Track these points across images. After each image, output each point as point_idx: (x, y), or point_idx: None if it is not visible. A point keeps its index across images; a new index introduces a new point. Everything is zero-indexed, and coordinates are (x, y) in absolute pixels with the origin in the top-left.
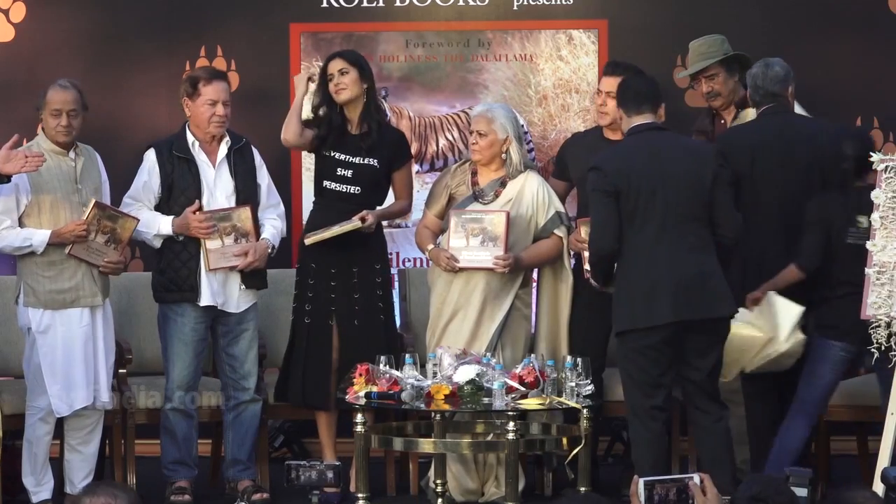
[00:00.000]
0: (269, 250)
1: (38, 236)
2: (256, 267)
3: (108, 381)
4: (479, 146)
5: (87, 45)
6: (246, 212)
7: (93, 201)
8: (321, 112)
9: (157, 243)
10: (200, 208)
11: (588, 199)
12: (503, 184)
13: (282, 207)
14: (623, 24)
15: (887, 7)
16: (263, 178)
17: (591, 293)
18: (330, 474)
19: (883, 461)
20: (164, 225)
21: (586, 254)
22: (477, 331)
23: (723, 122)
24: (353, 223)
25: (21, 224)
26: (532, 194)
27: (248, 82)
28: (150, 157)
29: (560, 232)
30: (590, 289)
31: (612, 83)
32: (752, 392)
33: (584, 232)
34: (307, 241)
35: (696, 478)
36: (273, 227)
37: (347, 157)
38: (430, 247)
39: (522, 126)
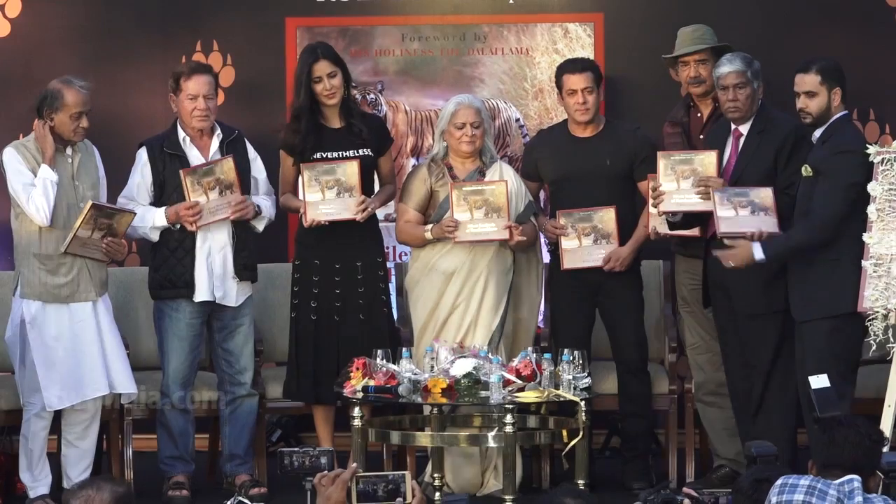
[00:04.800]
0: (256, 208)
1: (42, 172)
2: (244, 217)
3: (128, 371)
4: (476, 136)
5: (82, 40)
6: (229, 163)
7: (89, 203)
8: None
9: (155, 236)
10: (196, 205)
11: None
12: (482, 173)
13: (274, 197)
14: (619, 17)
15: None
16: (259, 171)
17: (569, 287)
18: (323, 460)
19: None
20: (158, 217)
21: (566, 243)
22: (478, 323)
23: (699, 115)
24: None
25: (19, 219)
26: (511, 181)
27: (244, 77)
28: (142, 155)
29: (534, 220)
30: (568, 283)
31: (584, 80)
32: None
33: (562, 220)
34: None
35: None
36: (264, 199)
37: (342, 153)
38: (430, 226)
39: (518, 120)
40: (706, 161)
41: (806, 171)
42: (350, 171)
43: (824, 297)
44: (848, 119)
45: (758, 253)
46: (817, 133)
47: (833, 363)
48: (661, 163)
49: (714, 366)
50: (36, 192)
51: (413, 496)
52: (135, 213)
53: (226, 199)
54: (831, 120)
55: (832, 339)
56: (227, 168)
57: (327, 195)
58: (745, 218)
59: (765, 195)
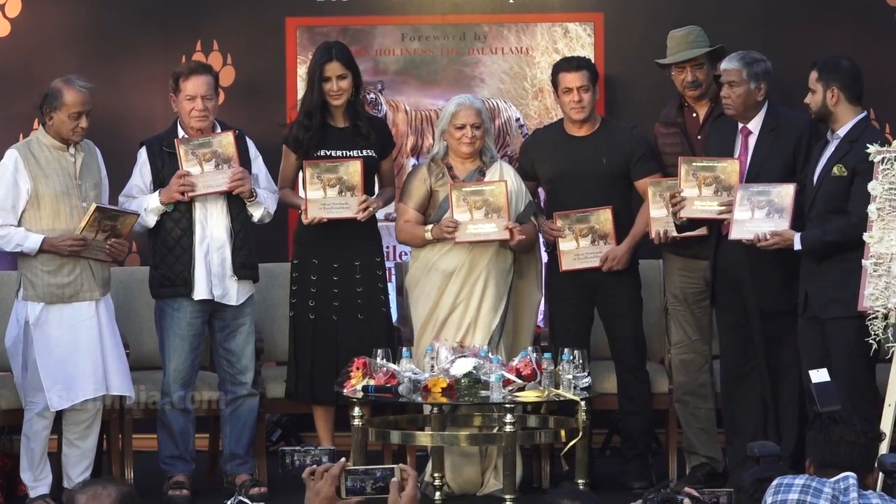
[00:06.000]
0: (254, 191)
1: (30, 242)
2: (241, 191)
3: (125, 373)
4: (476, 137)
5: (82, 40)
6: (228, 137)
7: (93, 206)
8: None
9: (151, 220)
10: (187, 174)
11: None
12: (482, 173)
13: (276, 195)
14: (619, 16)
15: None
16: (260, 168)
17: (568, 287)
18: (325, 459)
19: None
20: (151, 199)
21: (563, 245)
22: (478, 323)
23: (695, 115)
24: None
25: (21, 218)
26: (511, 181)
27: (244, 76)
28: (142, 155)
29: (535, 220)
30: (567, 282)
31: (579, 77)
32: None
33: (559, 222)
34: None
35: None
36: (264, 192)
37: (345, 152)
38: (430, 227)
39: (518, 119)
40: (728, 169)
41: (840, 170)
42: (352, 169)
43: (851, 294)
44: (868, 120)
45: (796, 243)
46: (840, 132)
47: (859, 361)
48: (683, 168)
49: (696, 366)
50: (3, 234)
51: (403, 489)
52: (138, 215)
53: (223, 171)
54: (854, 121)
55: (861, 337)
56: (226, 142)
57: (329, 193)
58: (759, 221)
59: (785, 193)
